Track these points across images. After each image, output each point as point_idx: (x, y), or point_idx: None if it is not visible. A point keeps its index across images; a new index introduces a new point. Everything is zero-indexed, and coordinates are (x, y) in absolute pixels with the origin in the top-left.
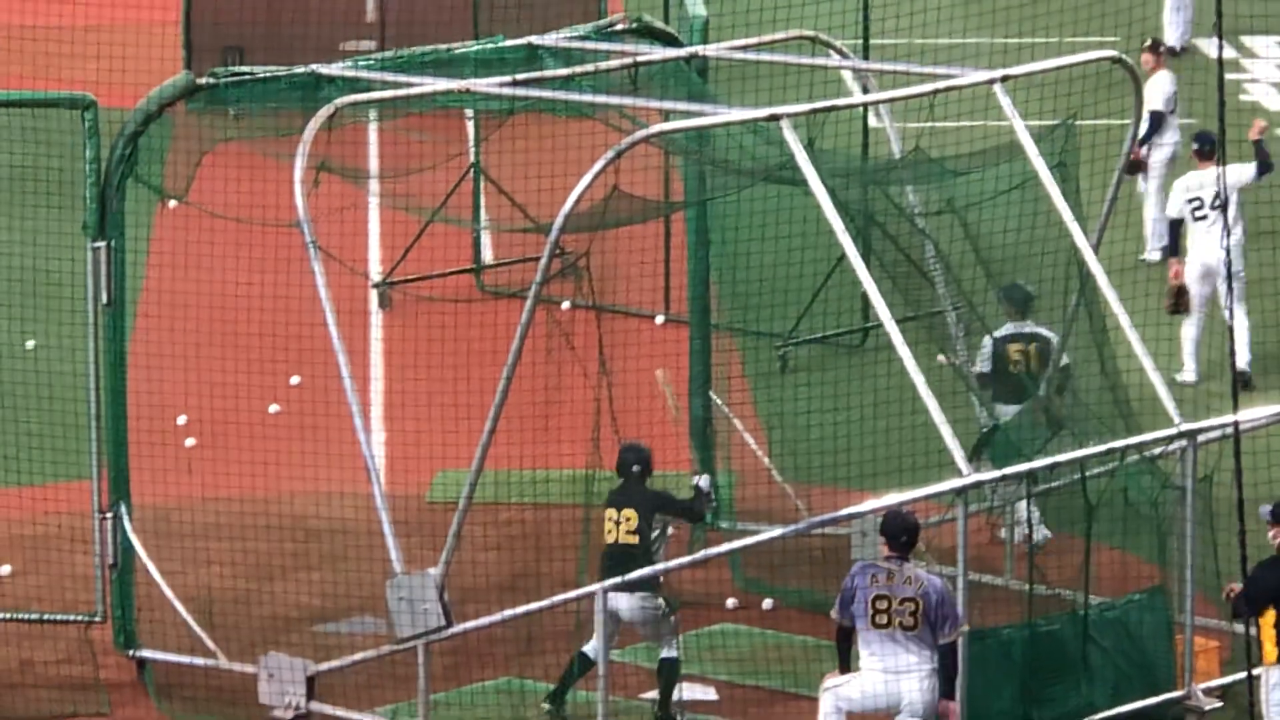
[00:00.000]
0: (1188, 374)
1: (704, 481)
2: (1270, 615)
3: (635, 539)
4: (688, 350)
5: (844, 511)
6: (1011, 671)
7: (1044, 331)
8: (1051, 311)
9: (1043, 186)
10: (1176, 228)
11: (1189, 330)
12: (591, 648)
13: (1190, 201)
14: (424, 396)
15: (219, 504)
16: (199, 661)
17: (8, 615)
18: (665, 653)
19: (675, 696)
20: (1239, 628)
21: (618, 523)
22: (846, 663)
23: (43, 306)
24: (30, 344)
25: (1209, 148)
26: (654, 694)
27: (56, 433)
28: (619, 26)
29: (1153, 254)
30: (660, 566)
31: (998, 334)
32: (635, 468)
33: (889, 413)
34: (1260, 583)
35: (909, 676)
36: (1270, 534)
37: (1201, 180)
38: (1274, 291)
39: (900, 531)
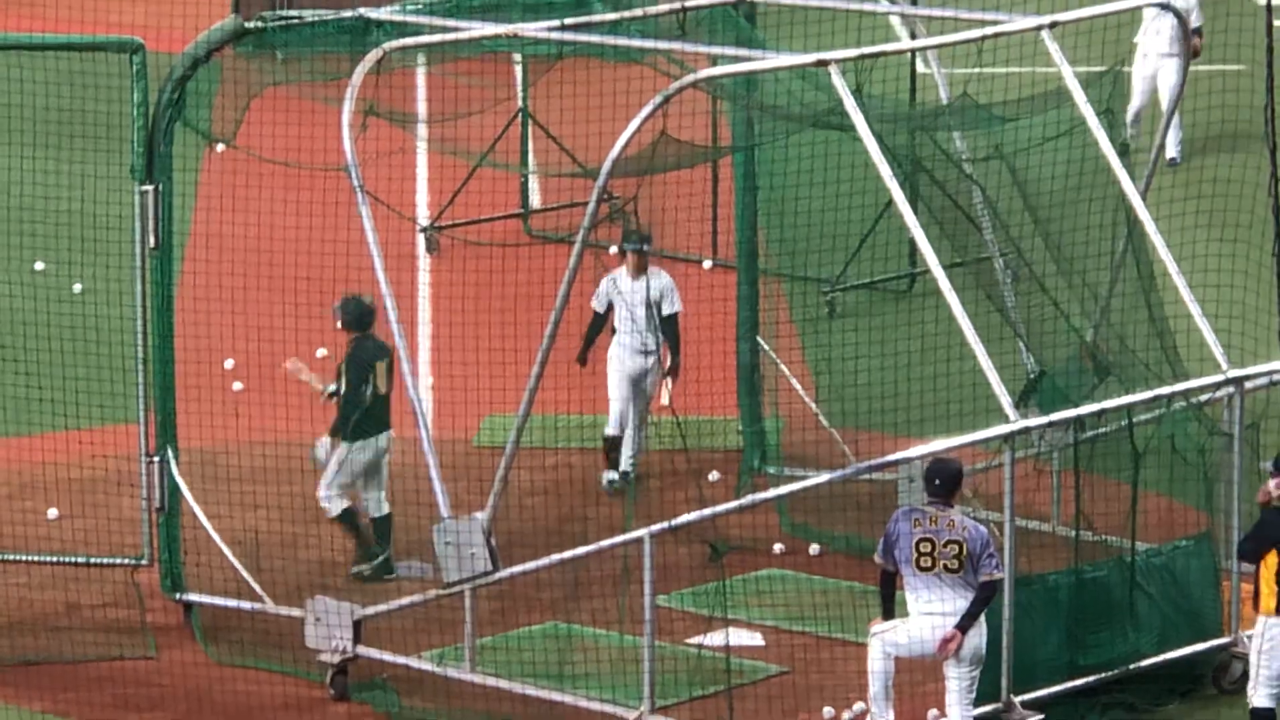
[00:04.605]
0: None
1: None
2: (1272, 562)
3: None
4: (735, 295)
5: (891, 457)
6: (1058, 617)
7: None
8: (1100, 258)
9: (1090, 133)
10: None
11: None
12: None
13: None
14: (471, 341)
15: (266, 448)
16: (245, 605)
17: (55, 558)
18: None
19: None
20: None
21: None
22: (890, 608)
23: (90, 250)
24: (78, 287)
25: None
26: (700, 639)
27: (104, 376)
28: None
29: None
30: (706, 511)
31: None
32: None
33: (936, 358)
34: (1270, 527)
35: (955, 619)
36: (1273, 484)
37: None
38: None
39: (935, 476)
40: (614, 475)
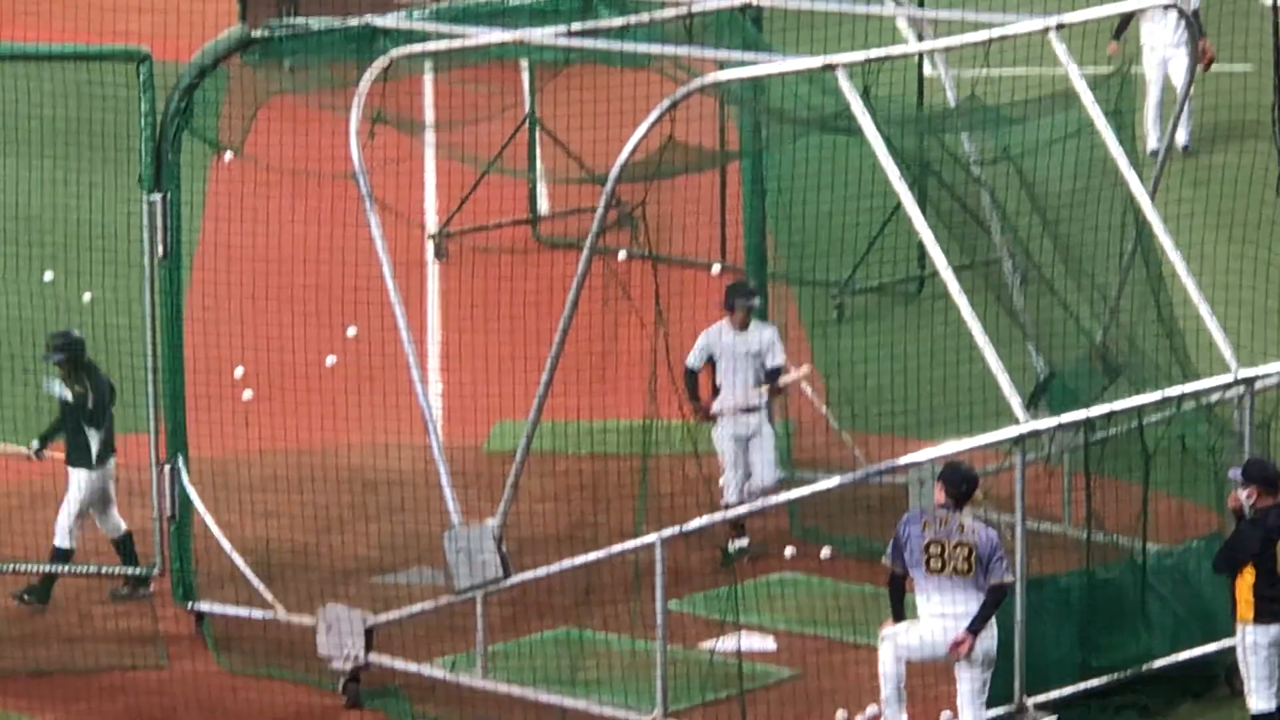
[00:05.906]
0: None
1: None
2: (1249, 575)
3: None
4: None
5: (901, 460)
6: (1070, 619)
7: None
8: (1109, 259)
9: (1098, 134)
10: None
11: None
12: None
13: None
14: (481, 347)
15: (276, 456)
16: (257, 614)
17: (66, 568)
18: None
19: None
20: None
21: None
22: (900, 611)
23: (99, 260)
24: (87, 297)
25: None
26: (712, 643)
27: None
28: None
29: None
30: (717, 515)
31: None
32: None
33: (945, 361)
34: (1244, 540)
35: (966, 622)
36: (1244, 494)
37: None
38: None
39: (960, 481)
40: (743, 543)
